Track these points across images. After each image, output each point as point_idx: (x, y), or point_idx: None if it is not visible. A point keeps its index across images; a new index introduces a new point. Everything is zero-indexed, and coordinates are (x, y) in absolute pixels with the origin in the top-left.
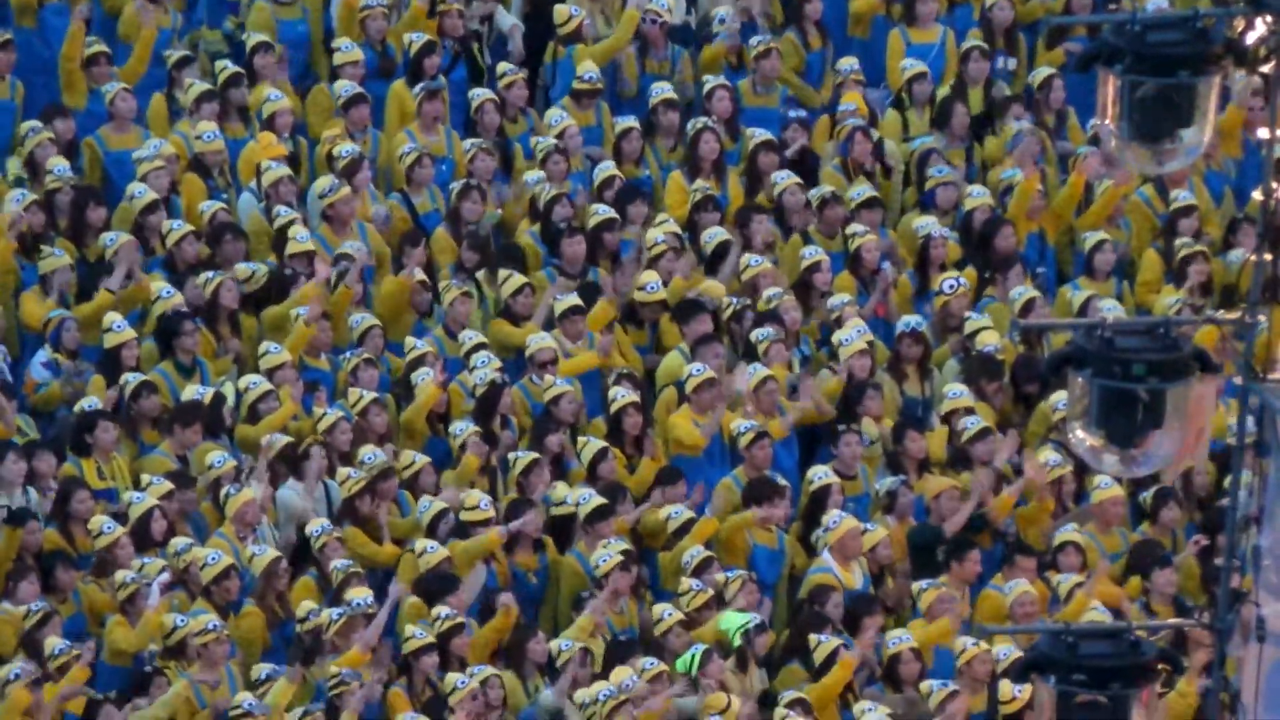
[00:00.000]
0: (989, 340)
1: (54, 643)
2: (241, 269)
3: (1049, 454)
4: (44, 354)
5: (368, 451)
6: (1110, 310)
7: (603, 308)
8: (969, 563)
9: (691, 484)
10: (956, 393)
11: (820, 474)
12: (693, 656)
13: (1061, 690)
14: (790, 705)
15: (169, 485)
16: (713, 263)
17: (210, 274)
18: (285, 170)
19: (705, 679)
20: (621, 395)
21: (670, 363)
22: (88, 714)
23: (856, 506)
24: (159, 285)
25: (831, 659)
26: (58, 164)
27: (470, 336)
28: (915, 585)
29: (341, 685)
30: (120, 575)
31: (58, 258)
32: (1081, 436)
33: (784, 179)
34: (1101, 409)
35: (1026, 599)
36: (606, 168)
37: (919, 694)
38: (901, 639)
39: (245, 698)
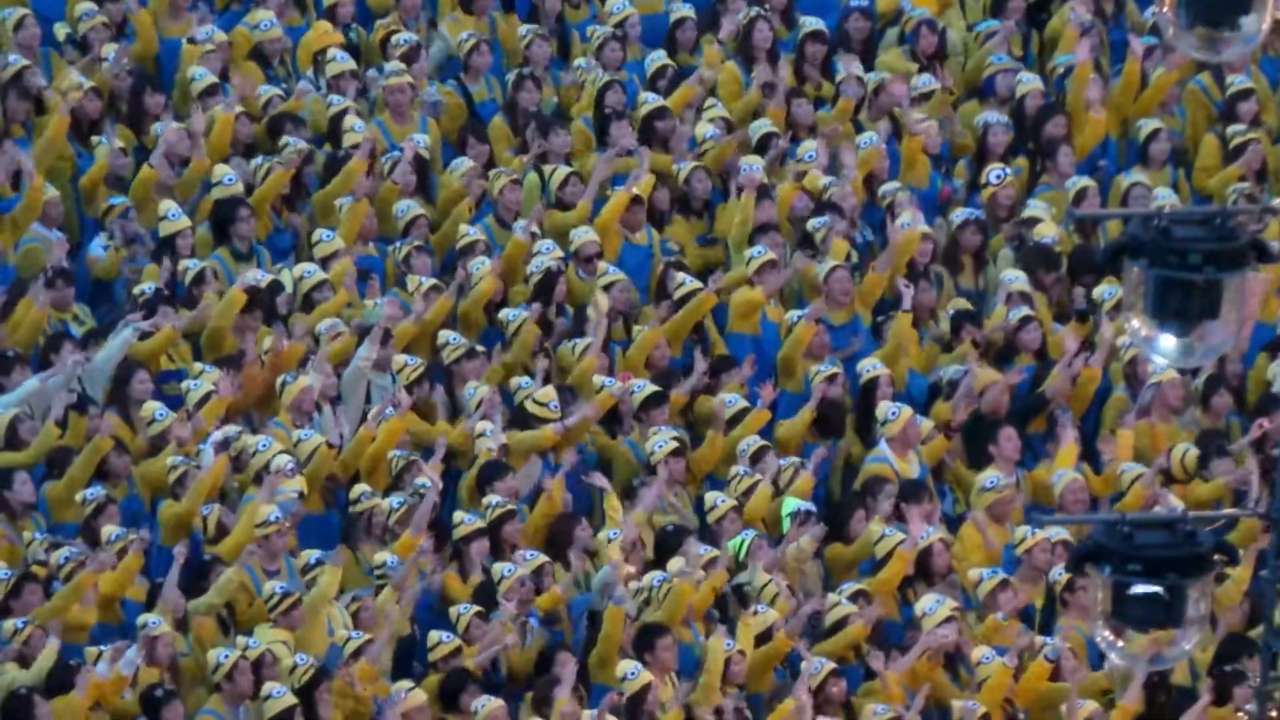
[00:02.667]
0: (1046, 231)
1: (110, 530)
2: (288, 151)
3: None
4: (102, 239)
5: (450, 334)
6: (1161, 198)
7: (646, 183)
8: (1003, 440)
9: (747, 363)
10: (1011, 278)
11: (870, 365)
12: (742, 541)
13: (1116, 580)
14: (851, 597)
15: (220, 373)
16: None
17: (262, 158)
18: (345, 58)
19: (755, 563)
20: (689, 283)
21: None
22: (149, 599)
23: (911, 396)
24: (222, 170)
25: (890, 552)
26: (112, 50)
27: (520, 227)
28: (976, 483)
29: (384, 578)
30: (170, 459)
31: (105, 145)
32: (1137, 326)
33: (846, 70)
34: (1157, 298)
35: (1076, 486)
36: (659, 58)
37: None
38: (930, 531)
39: (276, 583)
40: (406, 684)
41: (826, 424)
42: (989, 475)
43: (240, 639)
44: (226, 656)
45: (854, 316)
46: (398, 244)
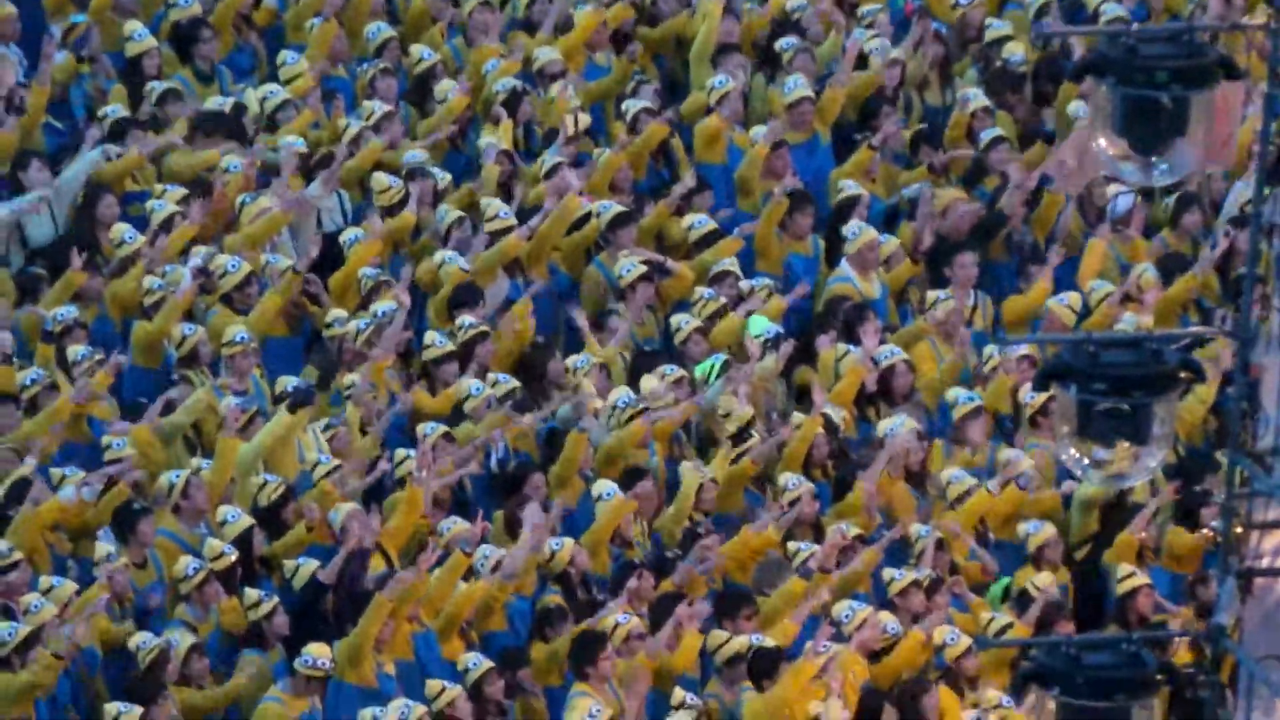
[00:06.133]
0: (1013, 50)
1: (76, 350)
2: None
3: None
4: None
5: (409, 152)
6: (1113, 11)
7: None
8: (958, 266)
9: (718, 194)
10: (970, 95)
11: (849, 184)
12: (712, 365)
13: (1082, 399)
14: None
15: (184, 191)
16: None
17: None
18: None
19: (725, 386)
20: (644, 104)
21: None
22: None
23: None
24: None
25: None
26: None
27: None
28: (931, 296)
29: (351, 395)
30: (146, 281)
31: None
32: (1104, 145)
33: None
34: (1124, 117)
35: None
36: None
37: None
38: (894, 352)
39: (232, 399)
40: (346, 503)
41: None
42: (940, 293)
43: (195, 460)
44: (178, 476)
45: (814, 135)
46: (364, 65)
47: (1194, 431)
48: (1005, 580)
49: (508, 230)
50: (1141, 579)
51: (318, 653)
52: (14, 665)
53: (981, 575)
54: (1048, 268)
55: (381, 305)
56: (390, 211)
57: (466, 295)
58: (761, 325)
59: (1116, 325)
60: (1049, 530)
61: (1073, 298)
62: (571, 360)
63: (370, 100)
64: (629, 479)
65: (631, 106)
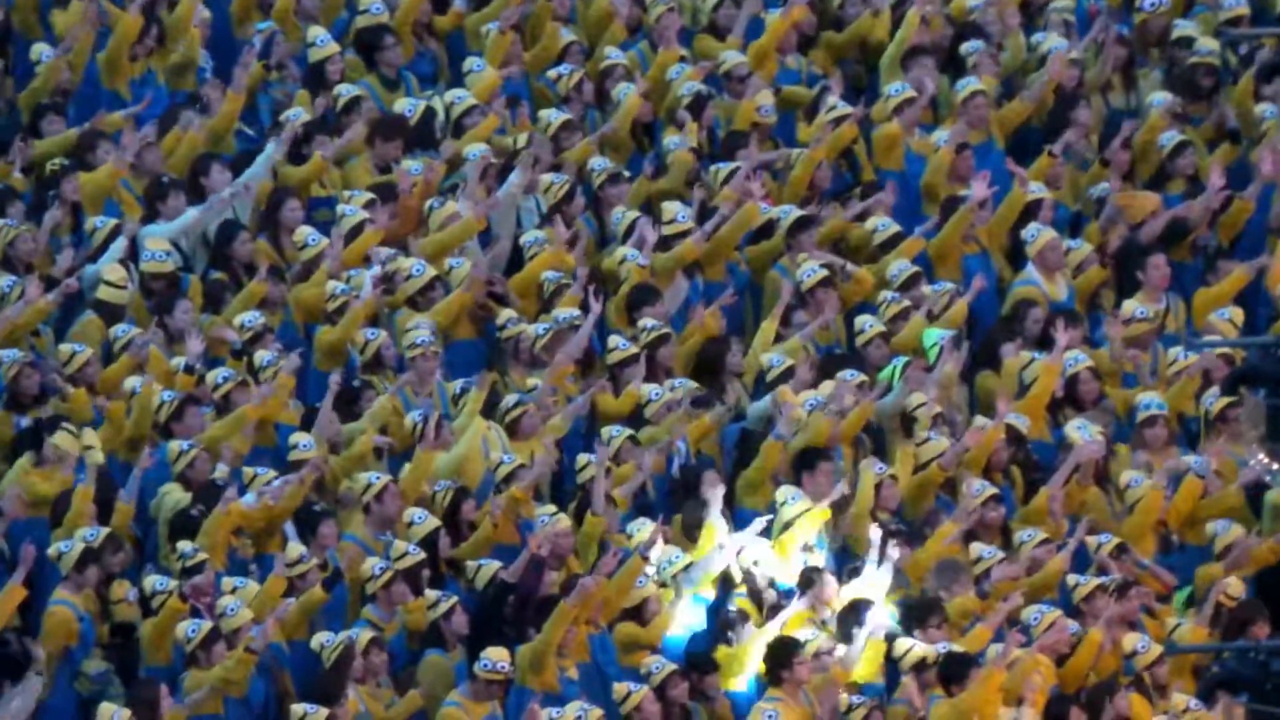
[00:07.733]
0: (1203, 45)
1: (262, 356)
2: None
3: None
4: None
5: (598, 160)
6: None
7: (800, 9)
8: (1151, 268)
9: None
10: (1159, 100)
11: (1034, 187)
12: (894, 368)
13: (1272, 403)
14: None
15: (370, 195)
16: None
17: None
18: None
19: (910, 388)
20: (841, 106)
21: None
22: (303, 422)
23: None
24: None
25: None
26: None
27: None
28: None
29: (525, 404)
30: (330, 285)
31: None
32: None
33: None
34: None
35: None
36: None
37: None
38: (1079, 359)
39: (416, 412)
40: (550, 509)
41: None
42: (1138, 305)
43: (381, 464)
44: (377, 478)
45: (989, 138)
46: (562, 70)
47: None
48: (1188, 589)
49: (685, 234)
50: None
51: (496, 657)
52: (200, 661)
53: (1160, 586)
54: (1243, 263)
55: (562, 311)
56: (557, 208)
57: (644, 295)
58: (933, 336)
59: None
60: (1237, 530)
61: (1235, 313)
62: (766, 358)
63: (565, 104)
64: (809, 460)
65: (830, 107)
